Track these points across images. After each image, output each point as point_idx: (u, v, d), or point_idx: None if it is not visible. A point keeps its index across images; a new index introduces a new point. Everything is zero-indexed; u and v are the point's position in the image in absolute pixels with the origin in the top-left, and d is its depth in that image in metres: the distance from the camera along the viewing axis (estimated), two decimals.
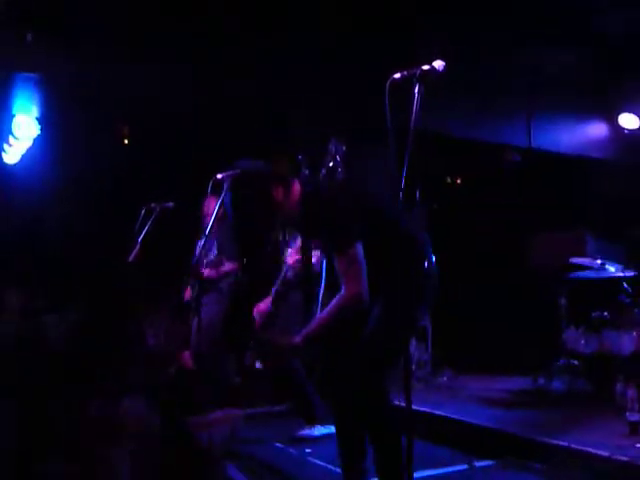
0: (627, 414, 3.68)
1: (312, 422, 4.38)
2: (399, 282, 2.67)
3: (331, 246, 2.72)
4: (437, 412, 4.43)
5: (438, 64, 2.53)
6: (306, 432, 4.36)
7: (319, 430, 4.35)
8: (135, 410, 2.64)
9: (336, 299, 2.66)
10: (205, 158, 4.98)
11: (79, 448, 2.16)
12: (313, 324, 2.69)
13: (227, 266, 5.47)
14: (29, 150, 6.01)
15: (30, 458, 2.11)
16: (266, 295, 4.93)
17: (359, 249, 2.63)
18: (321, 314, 2.71)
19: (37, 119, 5.95)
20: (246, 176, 2.83)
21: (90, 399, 2.38)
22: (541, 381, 5.22)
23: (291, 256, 4.66)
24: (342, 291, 2.64)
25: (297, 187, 2.84)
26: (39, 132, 5.97)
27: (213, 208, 5.85)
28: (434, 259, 2.89)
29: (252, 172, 2.84)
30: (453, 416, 4.35)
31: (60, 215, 6.18)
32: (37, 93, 5.83)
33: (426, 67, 2.53)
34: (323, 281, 2.94)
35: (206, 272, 5.31)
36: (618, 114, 6.47)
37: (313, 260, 4.57)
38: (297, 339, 2.65)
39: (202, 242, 5.54)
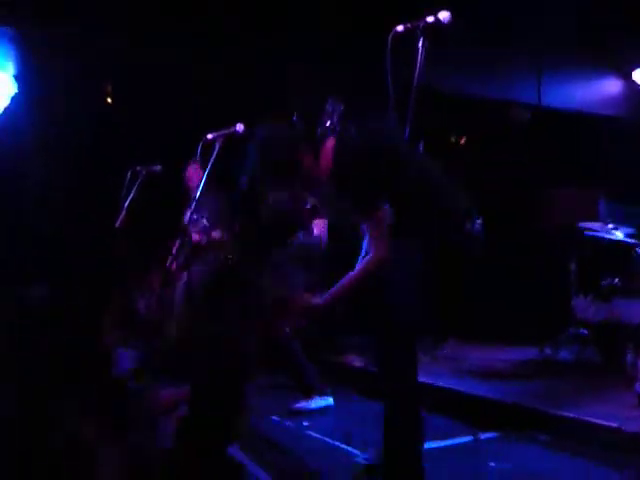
0: (637, 385, 3.73)
1: (309, 394, 4.44)
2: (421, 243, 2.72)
3: (361, 209, 2.75)
4: (439, 383, 4.49)
5: (443, 16, 2.52)
6: (303, 405, 4.42)
7: (316, 402, 4.42)
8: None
9: (363, 263, 2.72)
10: (195, 118, 4.96)
11: (79, 447, 2.21)
12: (337, 287, 2.74)
13: (216, 233, 5.46)
14: (6, 109, 5.97)
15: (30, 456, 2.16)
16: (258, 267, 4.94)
17: (387, 212, 2.69)
18: (346, 278, 2.75)
19: (14, 77, 5.90)
20: (271, 142, 2.76)
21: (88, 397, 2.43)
22: (548, 351, 5.27)
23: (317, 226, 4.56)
24: (370, 254, 2.70)
25: (330, 146, 2.79)
26: (16, 90, 5.92)
27: (197, 173, 5.84)
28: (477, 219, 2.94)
29: (278, 138, 2.77)
30: (456, 388, 4.41)
31: (41, 179, 6.16)
32: (13, 49, 5.76)
33: (430, 19, 2.51)
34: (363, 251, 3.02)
35: (195, 236, 5.30)
36: (632, 70, 6.44)
37: (315, 232, 4.55)
38: (319, 300, 2.72)
39: (191, 211, 5.55)
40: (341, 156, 2.74)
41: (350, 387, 4.90)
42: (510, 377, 4.76)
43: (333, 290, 2.74)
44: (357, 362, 5.22)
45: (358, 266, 2.75)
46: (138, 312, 5.21)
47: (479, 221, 3.00)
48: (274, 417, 4.32)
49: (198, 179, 5.76)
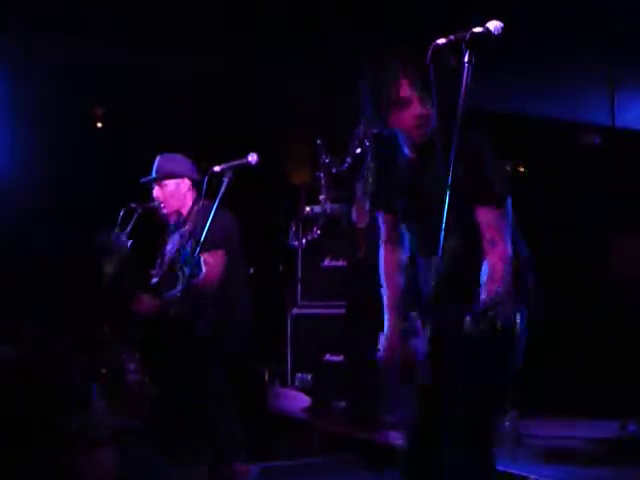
0: None
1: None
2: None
3: (490, 194, 2.83)
4: (497, 468, 4.43)
5: (494, 26, 2.53)
6: None
7: None
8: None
9: (495, 262, 2.73)
10: (199, 145, 5.02)
11: None
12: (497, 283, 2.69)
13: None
14: None
15: None
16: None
17: None
18: (494, 277, 2.71)
19: None
20: None
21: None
22: (632, 427, 5.20)
23: None
24: (494, 250, 2.75)
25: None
26: None
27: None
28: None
29: None
30: (517, 472, 4.35)
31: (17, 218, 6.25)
32: None
33: (478, 29, 2.53)
34: None
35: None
36: None
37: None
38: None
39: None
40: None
41: (390, 468, 4.87)
42: (583, 460, 4.68)
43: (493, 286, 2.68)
44: (399, 440, 5.18)
45: (491, 267, 2.73)
46: (128, 378, 5.23)
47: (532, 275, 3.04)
48: None
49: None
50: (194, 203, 4.67)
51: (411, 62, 2.83)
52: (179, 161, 4.72)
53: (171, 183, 4.64)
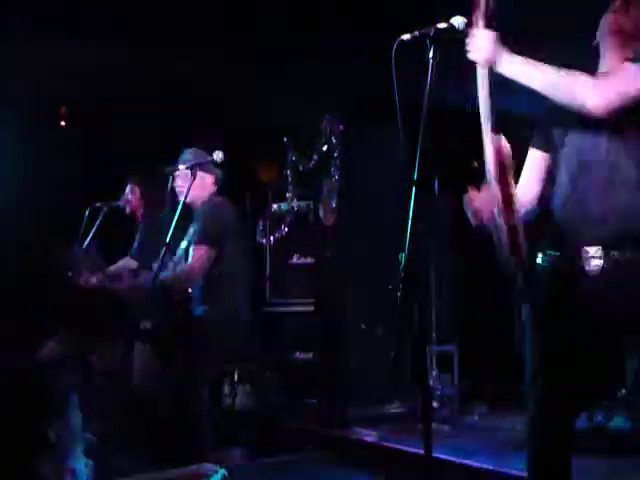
0: None
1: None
2: None
3: None
4: (466, 461, 4.44)
5: (458, 21, 2.55)
6: None
7: None
8: None
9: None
10: (165, 143, 4.99)
11: None
12: None
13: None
14: None
15: None
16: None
17: None
18: None
19: None
20: None
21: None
22: (599, 418, 5.22)
23: None
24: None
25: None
26: None
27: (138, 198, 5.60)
28: None
29: None
30: (486, 466, 4.36)
31: None
32: None
33: (442, 25, 2.55)
34: None
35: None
36: None
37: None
38: None
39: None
40: None
41: (360, 465, 4.87)
42: None
43: None
44: (368, 436, 5.19)
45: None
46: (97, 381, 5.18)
47: None
48: None
49: (139, 206, 5.64)
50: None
51: None
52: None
53: (204, 176, 4.53)
